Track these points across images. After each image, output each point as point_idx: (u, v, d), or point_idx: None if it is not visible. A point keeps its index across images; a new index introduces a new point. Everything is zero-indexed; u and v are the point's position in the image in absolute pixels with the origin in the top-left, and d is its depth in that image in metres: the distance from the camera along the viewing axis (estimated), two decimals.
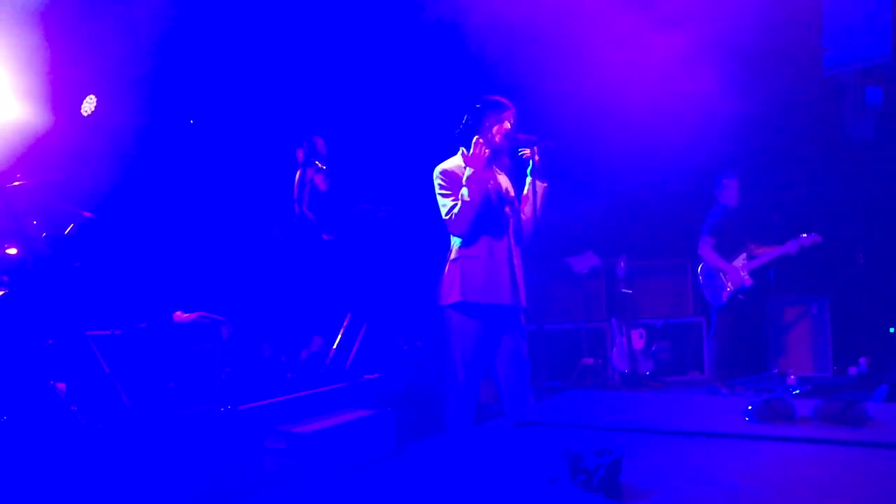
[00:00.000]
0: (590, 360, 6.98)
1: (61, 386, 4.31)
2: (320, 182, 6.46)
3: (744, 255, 6.21)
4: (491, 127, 3.87)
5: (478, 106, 3.92)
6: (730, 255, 6.21)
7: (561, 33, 6.73)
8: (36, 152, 4.74)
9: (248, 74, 6.67)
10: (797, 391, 5.74)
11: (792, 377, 6.45)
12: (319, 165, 6.47)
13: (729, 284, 6.20)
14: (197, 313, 4.73)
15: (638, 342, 6.89)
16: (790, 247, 6.07)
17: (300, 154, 6.69)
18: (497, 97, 3.96)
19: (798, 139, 6.77)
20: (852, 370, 6.63)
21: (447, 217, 3.80)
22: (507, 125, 3.89)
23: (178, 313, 4.70)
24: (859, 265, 7.15)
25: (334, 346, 6.28)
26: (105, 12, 5.42)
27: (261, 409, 4.85)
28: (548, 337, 7.19)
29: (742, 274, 6.16)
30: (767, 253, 6.20)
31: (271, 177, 6.74)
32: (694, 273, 7.18)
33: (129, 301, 5.25)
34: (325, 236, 6.49)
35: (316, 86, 7.11)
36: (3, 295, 3.43)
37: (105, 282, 5.32)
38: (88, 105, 5.14)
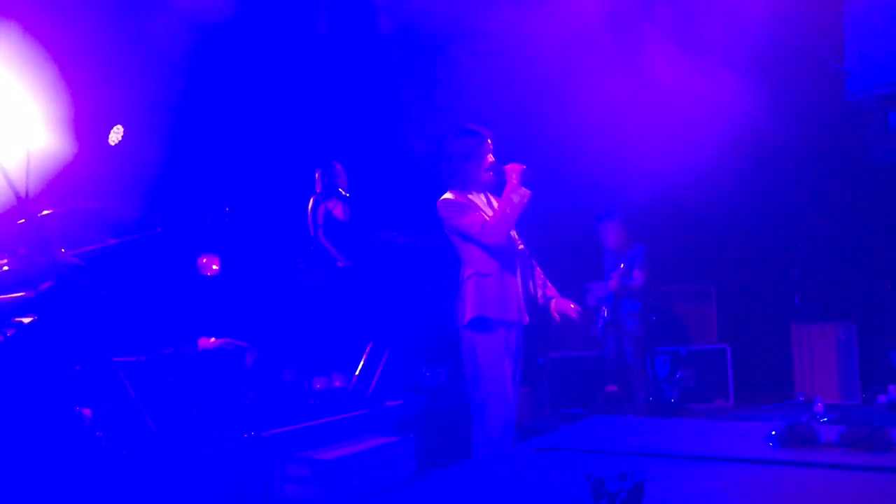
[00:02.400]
0: (613, 388, 6.93)
1: (87, 412, 4.36)
2: (338, 209, 6.52)
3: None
4: (484, 155, 4.00)
5: (465, 137, 4.03)
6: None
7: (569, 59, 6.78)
8: (64, 181, 4.83)
9: (270, 101, 6.77)
10: (824, 419, 5.66)
11: (819, 404, 6.36)
12: (342, 192, 6.53)
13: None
14: (221, 340, 4.77)
15: (662, 370, 6.84)
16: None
17: (318, 181, 6.76)
18: (473, 127, 4.08)
19: (821, 163, 6.73)
20: (881, 398, 6.51)
21: (479, 230, 3.87)
22: (490, 155, 4.04)
23: (203, 339, 4.74)
24: (887, 290, 7.06)
25: (356, 373, 6.30)
26: (129, 40, 5.54)
27: (283, 436, 4.87)
28: (569, 364, 7.15)
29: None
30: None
31: (295, 204, 6.80)
32: (718, 299, 7.14)
33: (155, 327, 5.31)
34: (341, 263, 6.54)
35: (335, 112, 7.20)
36: (31, 321, 3.49)
37: (131, 308, 5.39)
38: (115, 135, 5.24)
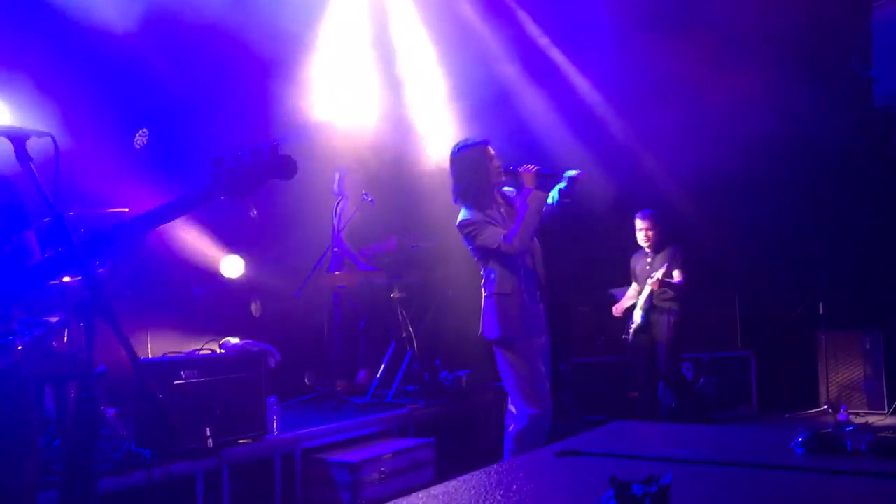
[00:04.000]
0: (635, 394, 6.88)
1: (111, 411, 4.39)
2: (358, 212, 6.54)
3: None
4: (489, 165, 4.00)
5: (466, 153, 4.02)
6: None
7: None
8: (90, 182, 4.88)
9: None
10: (850, 427, 5.58)
11: (844, 413, 6.27)
12: (366, 197, 6.55)
13: None
14: (244, 341, 4.79)
15: (685, 376, 6.77)
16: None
17: (337, 185, 6.79)
18: (470, 140, 4.07)
19: (848, 169, 6.65)
20: None
21: (500, 244, 3.88)
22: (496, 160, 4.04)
23: (226, 340, 4.77)
24: None
25: (378, 376, 6.31)
26: (149, 50, 5.60)
27: (305, 437, 4.88)
28: (591, 370, 7.11)
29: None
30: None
31: (314, 207, 6.82)
32: (741, 305, 7.04)
33: (179, 328, 5.34)
34: (362, 266, 6.56)
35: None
36: (57, 321, 3.52)
37: (155, 310, 5.42)
38: (141, 138, 5.29)
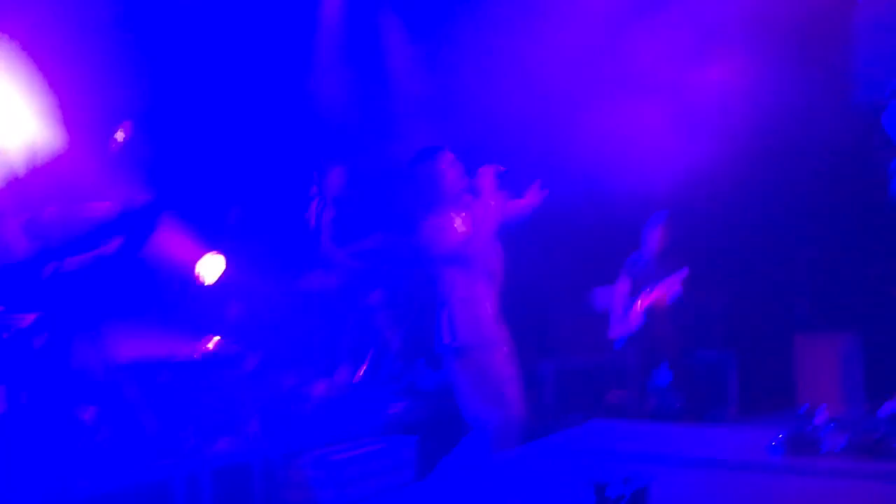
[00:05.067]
0: (617, 395, 6.89)
1: (89, 413, 4.35)
2: (340, 212, 6.52)
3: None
4: (447, 171, 3.99)
5: (424, 160, 4.03)
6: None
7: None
8: (69, 178, 4.82)
9: (272, 101, 6.79)
10: (828, 429, 5.61)
11: (822, 415, 6.30)
12: (347, 195, 6.53)
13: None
14: (223, 342, 4.76)
15: (663, 378, 6.79)
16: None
17: (318, 184, 6.76)
18: (428, 147, 4.10)
19: (828, 169, 6.66)
20: (885, 409, 6.45)
21: (457, 249, 3.90)
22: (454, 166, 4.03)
23: (206, 342, 4.73)
24: (893, 300, 7.01)
25: (359, 376, 6.29)
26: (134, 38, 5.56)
27: (285, 438, 4.86)
28: (574, 370, 7.11)
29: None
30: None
31: (297, 206, 6.80)
32: (725, 305, 7.06)
33: (158, 330, 5.30)
34: (349, 266, 6.53)
35: (335, 114, 7.24)
36: (35, 318, 3.49)
37: (133, 310, 5.38)
38: (122, 134, 5.23)
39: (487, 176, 3.94)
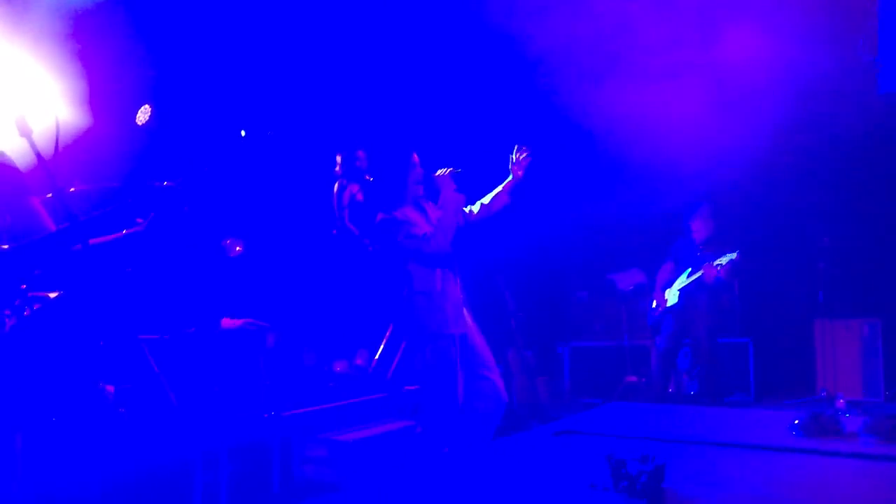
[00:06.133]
0: (633, 379, 6.89)
1: (110, 388, 4.40)
2: (361, 194, 6.53)
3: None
4: (409, 169, 4.11)
5: (388, 155, 4.20)
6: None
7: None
8: (92, 158, 4.87)
9: (295, 85, 6.79)
10: (847, 414, 5.59)
11: (841, 401, 6.28)
12: (367, 178, 6.54)
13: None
14: (243, 320, 4.80)
15: (682, 362, 6.78)
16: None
17: (339, 166, 6.78)
18: (394, 143, 4.23)
19: (849, 157, 6.62)
20: None
21: (419, 244, 3.99)
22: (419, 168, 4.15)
23: (226, 319, 4.77)
24: None
25: (376, 357, 6.32)
26: (156, 20, 5.58)
27: (303, 417, 4.90)
28: (590, 354, 7.13)
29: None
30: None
31: (318, 187, 6.82)
32: (740, 291, 7.04)
33: (179, 306, 5.34)
34: (368, 247, 6.55)
35: (358, 97, 7.22)
36: (57, 296, 3.52)
37: (155, 287, 5.43)
38: (143, 115, 5.27)
39: (445, 176, 4.04)
